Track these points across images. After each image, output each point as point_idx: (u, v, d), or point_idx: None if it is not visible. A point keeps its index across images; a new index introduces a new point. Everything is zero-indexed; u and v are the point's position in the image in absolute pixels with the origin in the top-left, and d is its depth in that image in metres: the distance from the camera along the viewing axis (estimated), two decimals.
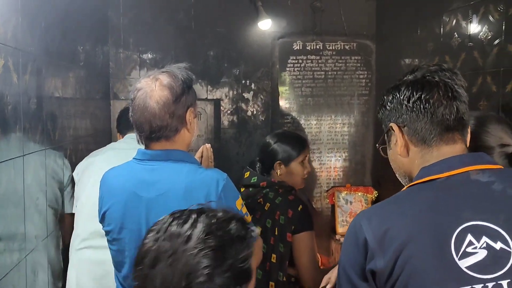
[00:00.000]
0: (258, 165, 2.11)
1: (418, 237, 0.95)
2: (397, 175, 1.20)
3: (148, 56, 3.69)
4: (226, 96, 3.82)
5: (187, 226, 0.95)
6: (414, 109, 1.06)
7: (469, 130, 1.11)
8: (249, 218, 1.69)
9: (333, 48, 3.90)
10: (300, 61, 3.88)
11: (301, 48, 3.87)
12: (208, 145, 2.03)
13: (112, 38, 3.62)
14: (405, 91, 1.09)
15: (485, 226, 0.94)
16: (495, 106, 2.46)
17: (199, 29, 3.71)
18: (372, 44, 3.92)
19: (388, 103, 1.14)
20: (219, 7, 3.70)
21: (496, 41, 2.27)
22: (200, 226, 0.94)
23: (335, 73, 3.91)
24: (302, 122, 3.89)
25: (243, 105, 3.85)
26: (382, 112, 1.19)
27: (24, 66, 1.74)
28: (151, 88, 1.57)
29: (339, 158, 3.92)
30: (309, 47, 3.87)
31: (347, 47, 3.92)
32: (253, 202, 1.98)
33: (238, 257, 0.94)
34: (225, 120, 3.83)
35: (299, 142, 2.01)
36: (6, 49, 1.55)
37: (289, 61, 3.87)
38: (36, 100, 1.94)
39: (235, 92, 3.83)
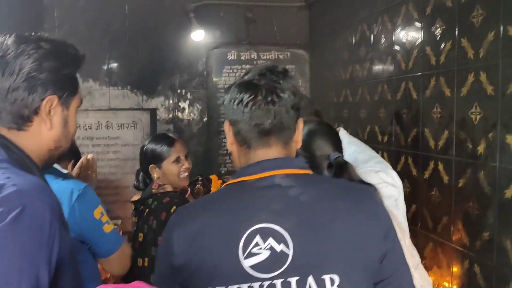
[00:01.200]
0: (140, 175, 2.13)
1: (212, 236, 1.02)
2: None
3: (82, 67, 3.75)
4: (162, 106, 3.90)
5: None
6: (237, 111, 1.06)
7: (296, 135, 1.12)
8: (110, 226, 1.74)
9: (267, 57, 3.99)
10: (235, 70, 3.97)
11: (235, 58, 3.97)
12: (90, 156, 2.08)
13: None
14: (232, 92, 1.09)
15: (273, 228, 1.00)
16: (416, 109, 2.55)
17: (133, 40, 3.79)
18: (306, 53, 4.03)
19: (224, 101, 1.17)
20: (153, 19, 3.80)
21: (417, 43, 2.38)
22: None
23: None
24: None
25: (179, 114, 3.93)
26: (222, 108, 1.25)
27: None
28: None
29: None
30: (243, 56, 3.97)
31: (281, 57, 4.02)
32: (141, 215, 2.03)
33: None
34: (162, 129, 3.90)
35: (166, 142, 2.03)
36: None
37: (224, 70, 3.96)
38: None
39: (171, 102, 3.91)
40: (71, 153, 2.61)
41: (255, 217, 1.01)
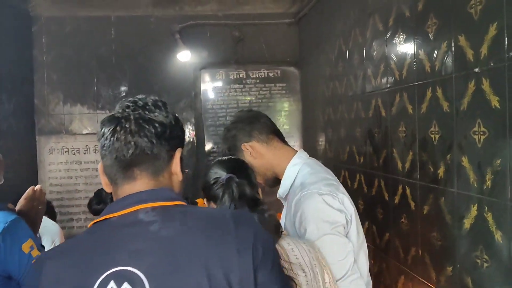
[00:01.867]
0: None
1: (65, 284, 0.92)
2: None
3: (70, 91, 3.78)
4: None
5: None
6: (100, 147, 1.00)
7: (173, 167, 1.03)
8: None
9: (257, 76, 3.89)
10: (224, 90, 3.88)
11: (223, 77, 3.88)
12: (37, 186, 2.01)
13: (37, 76, 3.74)
14: (98, 129, 1.02)
15: (130, 271, 0.90)
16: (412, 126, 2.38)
17: (120, 63, 3.79)
18: (296, 70, 3.89)
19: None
20: (139, 41, 3.78)
21: (382, 57, 2.20)
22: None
23: (259, 101, 3.89)
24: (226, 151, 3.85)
25: None
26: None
27: None
28: None
29: None
30: (232, 76, 3.88)
31: (271, 75, 3.90)
32: None
33: None
34: None
35: None
36: None
37: (212, 91, 3.88)
38: None
39: None
40: None
41: (111, 260, 0.91)
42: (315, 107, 3.48)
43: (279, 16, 3.85)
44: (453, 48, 1.57)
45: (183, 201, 1.01)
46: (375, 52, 2.27)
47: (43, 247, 1.79)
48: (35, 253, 1.61)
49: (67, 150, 3.79)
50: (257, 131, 1.70)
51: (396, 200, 2.09)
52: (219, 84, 3.88)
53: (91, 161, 3.80)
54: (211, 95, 3.88)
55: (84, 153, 3.80)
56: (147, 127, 0.98)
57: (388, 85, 2.13)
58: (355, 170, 2.61)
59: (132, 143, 0.97)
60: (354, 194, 2.62)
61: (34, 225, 1.83)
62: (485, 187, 1.43)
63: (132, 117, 0.98)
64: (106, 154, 0.98)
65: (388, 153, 2.15)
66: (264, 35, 3.84)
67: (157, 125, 0.99)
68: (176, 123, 1.06)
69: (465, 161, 1.53)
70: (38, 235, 2.30)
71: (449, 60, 1.60)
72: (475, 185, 1.48)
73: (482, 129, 1.43)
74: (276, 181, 1.71)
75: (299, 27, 3.85)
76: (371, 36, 2.32)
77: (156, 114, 1.00)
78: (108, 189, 1.03)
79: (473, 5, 1.44)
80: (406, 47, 1.94)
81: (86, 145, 3.79)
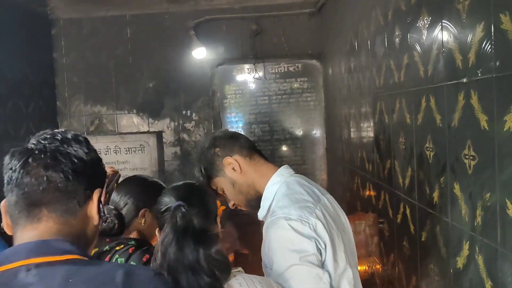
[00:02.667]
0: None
1: None
2: None
3: (90, 93, 3.79)
4: (168, 128, 3.78)
5: None
6: (9, 181, 0.88)
7: (89, 209, 0.92)
8: None
9: (276, 71, 3.68)
10: (242, 87, 3.71)
11: (241, 73, 3.71)
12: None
13: (58, 78, 3.79)
14: (5, 161, 0.91)
15: None
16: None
17: (137, 62, 3.73)
18: (319, 63, 3.63)
19: None
20: (155, 40, 3.70)
21: (383, 56, 1.93)
22: None
23: (279, 97, 3.68)
24: None
25: (186, 136, 3.78)
26: None
27: None
28: None
29: None
30: (250, 72, 3.69)
31: (291, 69, 3.67)
32: None
33: None
34: (168, 152, 3.79)
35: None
36: None
37: (230, 88, 3.73)
38: None
39: (176, 123, 3.77)
40: None
41: None
42: (336, 103, 3.22)
43: (299, 6, 3.59)
44: (443, 51, 1.30)
45: (78, 254, 0.87)
46: (378, 49, 1.99)
47: None
48: None
49: None
50: (238, 145, 1.54)
51: (399, 219, 1.83)
52: (236, 81, 3.72)
53: (112, 162, 3.80)
54: (228, 92, 3.73)
55: (105, 154, 3.80)
56: (64, 161, 0.88)
57: (389, 89, 1.86)
58: (366, 178, 2.36)
59: (45, 177, 0.86)
60: (365, 204, 2.38)
61: None
62: (475, 223, 1.17)
63: (48, 149, 0.87)
64: (12, 189, 0.87)
65: (391, 164, 1.89)
66: (283, 27, 3.61)
67: (75, 160, 0.89)
68: (97, 161, 0.95)
69: (457, 189, 1.27)
70: None
71: (440, 66, 1.33)
72: (467, 219, 1.22)
73: (472, 153, 1.16)
74: (259, 200, 1.53)
75: (321, 17, 3.57)
76: (375, 30, 2.04)
77: (76, 148, 0.91)
78: (9, 230, 0.91)
79: (461, 0, 1.16)
80: (403, 47, 1.66)
81: (107, 146, 3.79)
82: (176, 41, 3.68)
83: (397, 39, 1.73)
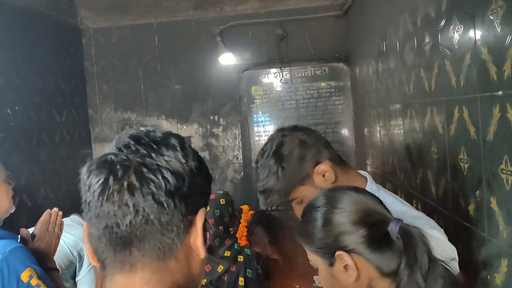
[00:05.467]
0: None
1: None
2: None
3: (120, 100, 3.86)
4: (196, 133, 3.82)
5: None
6: (87, 204, 0.68)
7: (193, 239, 0.70)
8: None
9: (303, 74, 3.65)
10: (268, 91, 3.71)
11: (268, 78, 3.71)
12: (53, 210, 2.03)
13: (89, 86, 3.88)
14: (83, 175, 0.69)
15: None
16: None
17: (164, 69, 3.78)
18: (346, 66, 3.59)
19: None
20: (181, 47, 3.74)
21: (411, 64, 1.88)
22: None
23: (307, 101, 3.66)
24: None
25: (214, 141, 3.81)
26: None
27: None
28: None
29: None
30: (277, 76, 3.68)
31: (318, 72, 3.64)
32: None
33: None
34: None
35: None
36: None
37: (257, 92, 3.73)
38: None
39: (204, 129, 3.80)
40: None
41: None
42: (365, 108, 3.17)
43: (325, 9, 3.55)
44: (477, 62, 1.26)
45: None
46: (407, 56, 1.95)
47: (56, 270, 1.80)
48: (35, 281, 1.62)
49: None
50: (329, 148, 1.26)
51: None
52: (263, 85, 3.71)
53: None
54: (255, 97, 3.73)
55: None
56: (154, 179, 0.65)
57: (419, 97, 1.82)
58: (397, 186, 2.31)
59: (131, 206, 0.64)
60: None
61: (49, 248, 1.84)
62: None
63: (132, 162, 0.65)
64: (91, 218, 0.66)
65: (424, 173, 1.85)
66: (309, 31, 3.59)
67: (168, 176, 0.66)
68: (198, 169, 0.71)
69: (494, 203, 1.23)
70: (76, 256, 2.36)
71: (473, 76, 1.29)
72: (505, 235, 1.18)
73: (510, 168, 1.12)
74: None
75: (347, 19, 3.52)
76: (403, 35, 2.00)
77: (168, 158, 0.67)
78: (94, 261, 0.71)
79: (494, 10, 1.13)
80: (434, 54, 1.62)
81: None
82: (202, 47, 3.71)
83: (427, 47, 1.69)
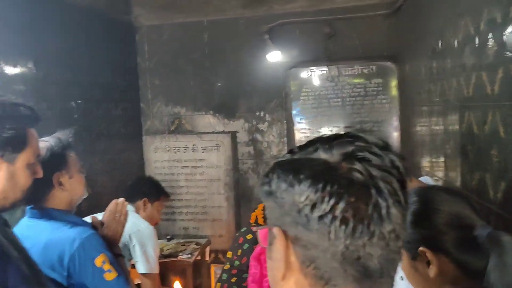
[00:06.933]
0: None
1: None
2: None
3: (171, 95, 4.01)
4: (242, 128, 3.92)
5: None
6: (310, 223, 0.58)
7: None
8: (112, 274, 1.80)
9: (350, 73, 3.69)
10: (315, 89, 3.77)
11: (314, 75, 3.76)
12: (120, 200, 2.17)
13: (141, 81, 4.04)
14: (306, 185, 0.58)
15: None
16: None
17: (213, 66, 3.90)
18: (394, 65, 3.60)
19: (275, 192, 0.62)
20: (230, 44, 3.84)
21: (472, 65, 1.92)
22: None
23: (353, 99, 3.70)
24: None
25: (259, 136, 3.90)
26: (265, 193, 0.65)
27: None
28: None
29: None
30: (323, 74, 3.73)
31: (365, 71, 3.67)
32: None
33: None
34: (243, 151, 3.93)
35: None
36: None
37: (303, 89, 3.79)
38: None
39: (250, 124, 3.90)
40: (142, 192, 2.81)
41: None
42: (415, 107, 3.19)
43: (374, 8, 3.57)
44: None
45: None
46: (471, 56, 1.97)
47: (121, 256, 1.93)
48: (107, 266, 1.74)
49: (169, 149, 4.05)
50: None
51: None
52: (310, 83, 3.78)
53: (190, 160, 4.01)
54: (301, 94, 3.80)
55: (184, 152, 4.02)
56: (400, 211, 0.58)
57: (479, 99, 1.84)
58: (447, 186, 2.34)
59: (387, 234, 0.57)
60: None
61: (116, 236, 1.96)
62: None
63: (374, 181, 0.56)
64: (323, 244, 0.57)
65: (482, 176, 1.88)
66: (357, 29, 3.62)
67: (400, 198, 0.58)
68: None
69: None
70: (129, 240, 2.52)
71: None
72: None
73: None
74: None
75: (396, 18, 3.53)
76: (478, 32, 2.03)
77: (396, 175, 0.59)
78: (282, 274, 0.62)
79: None
80: (498, 56, 1.65)
81: (185, 145, 4.01)
82: (250, 45, 3.80)
83: (490, 51, 1.71)
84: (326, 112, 3.75)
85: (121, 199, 2.15)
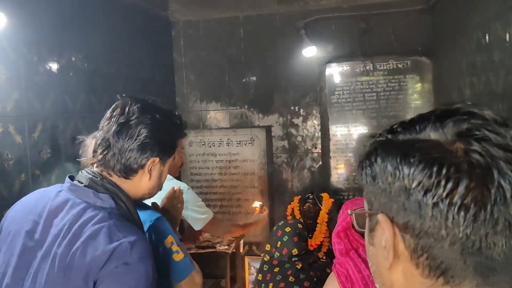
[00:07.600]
0: None
1: None
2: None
3: (206, 90, 4.10)
4: (276, 123, 3.99)
5: None
6: (431, 213, 0.54)
7: None
8: (180, 255, 1.89)
9: (385, 67, 3.73)
10: (349, 83, 3.81)
11: (349, 70, 3.81)
12: (177, 187, 2.25)
13: (177, 76, 4.14)
14: (418, 169, 0.55)
15: None
16: None
17: (248, 61, 3.97)
18: (428, 60, 3.63)
19: (379, 176, 0.61)
20: (266, 39, 3.91)
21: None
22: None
23: (388, 93, 3.73)
24: (353, 145, 3.81)
25: (294, 131, 3.96)
26: (366, 177, 0.64)
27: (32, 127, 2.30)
28: None
29: None
30: (358, 69, 3.78)
31: (400, 66, 3.70)
32: None
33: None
34: (277, 146, 4.00)
35: None
36: (4, 119, 2.10)
37: (338, 84, 3.84)
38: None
39: (285, 119, 3.97)
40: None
41: None
42: (452, 101, 3.22)
43: (409, 3, 3.60)
44: None
45: None
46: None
47: (181, 239, 2.02)
48: (175, 248, 1.83)
49: (204, 143, 4.13)
50: None
51: None
52: (344, 77, 3.82)
53: (224, 154, 4.09)
54: (336, 89, 3.85)
55: (219, 146, 4.10)
56: None
57: None
58: None
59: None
60: None
61: (175, 221, 2.06)
62: None
63: (509, 173, 0.52)
64: (429, 229, 0.55)
65: None
66: (392, 24, 3.65)
67: None
68: None
69: None
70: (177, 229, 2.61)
71: None
72: None
73: None
74: None
75: (432, 13, 3.56)
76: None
77: None
78: (389, 264, 0.61)
79: None
80: None
81: (220, 139, 4.09)
82: (286, 40, 3.86)
83: None
84: (360, 107, 3.79)
85: (179, 186, 2.24)
